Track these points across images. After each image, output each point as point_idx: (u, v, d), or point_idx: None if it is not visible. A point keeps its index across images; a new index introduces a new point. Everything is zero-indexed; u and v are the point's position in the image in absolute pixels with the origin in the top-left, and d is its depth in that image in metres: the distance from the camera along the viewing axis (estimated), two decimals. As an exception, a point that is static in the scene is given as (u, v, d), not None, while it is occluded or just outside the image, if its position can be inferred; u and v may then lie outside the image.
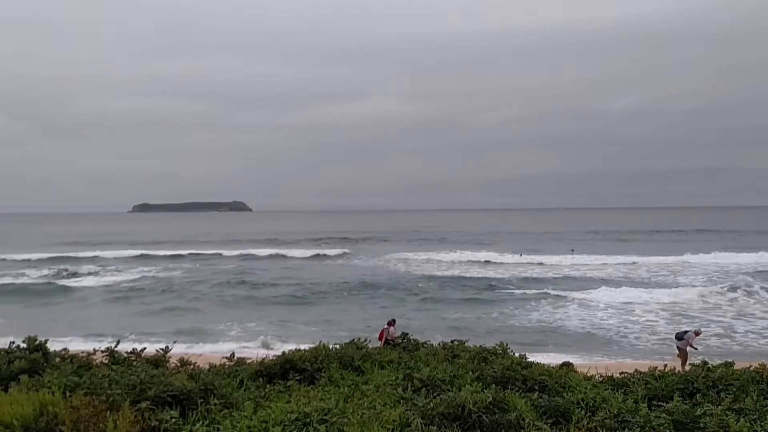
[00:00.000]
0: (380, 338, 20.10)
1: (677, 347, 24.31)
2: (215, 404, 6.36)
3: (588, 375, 8.91)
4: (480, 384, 6.86)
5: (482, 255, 78.28)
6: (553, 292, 46.62)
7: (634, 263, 67.27)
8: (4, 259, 74.73)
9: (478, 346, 9.51)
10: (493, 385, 6.85)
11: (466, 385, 6.68)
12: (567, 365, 10.23)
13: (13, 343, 8.07)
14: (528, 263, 69.24)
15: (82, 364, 7.75)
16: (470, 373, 7.52)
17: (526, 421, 6.13)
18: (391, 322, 21.95)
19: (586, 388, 7.32)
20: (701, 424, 6.38)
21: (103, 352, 8.36)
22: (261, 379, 8.00)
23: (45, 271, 62.89)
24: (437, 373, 7.37)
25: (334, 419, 5.81)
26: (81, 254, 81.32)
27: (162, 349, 8.58)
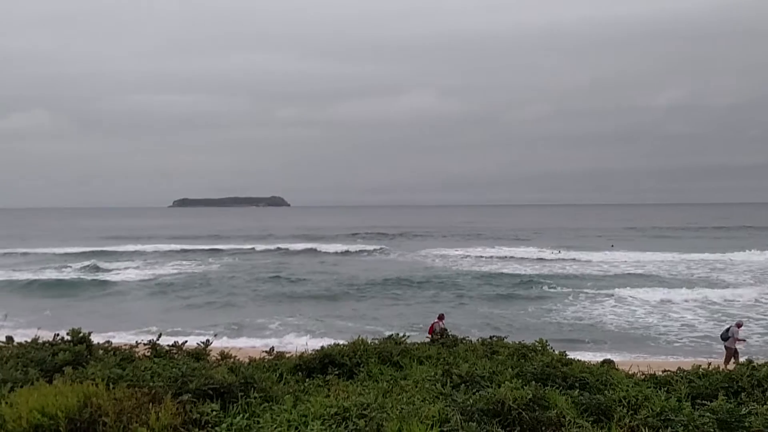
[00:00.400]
0: (430, 332, 20.13)
1: (725, 347, 23.76)
2: (255, 398, 6.39)
3: (629, 373, 8.79)
4: (520, 381, 6.80)
5: (519, 251, 77.85)
6: (590, 289, 46.15)
7: (674, 260, 66.13)
8: (46, 253, 76.07)
9: (517, 342, 9.43)
10: (533, 382, 6.78)
11: (506, 382, 6.62)
12: (608, 362, 10.12)
13: (58, 335, 8.21)
14: (565, 259, 68.50)
15: (124, 356, 7.85)
16: (509, 369, 7.45)
17: (567, 419, 6.07)
18: (441, 317, 22.00)
19: (627, 385, 7.22)
20: (746, 424, 6.26)
21: (145, 344, 8.47)
22: (300, 373, 8.03)
23: (86, 264, 63.85)
24: (476, 369, 7.32)
25: (374, 414, 5.80)
26: (121, 248, 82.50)
27: (203, 343, 8.67)
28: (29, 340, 8.23)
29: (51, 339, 8.12)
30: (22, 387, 6.07)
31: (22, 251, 78.03)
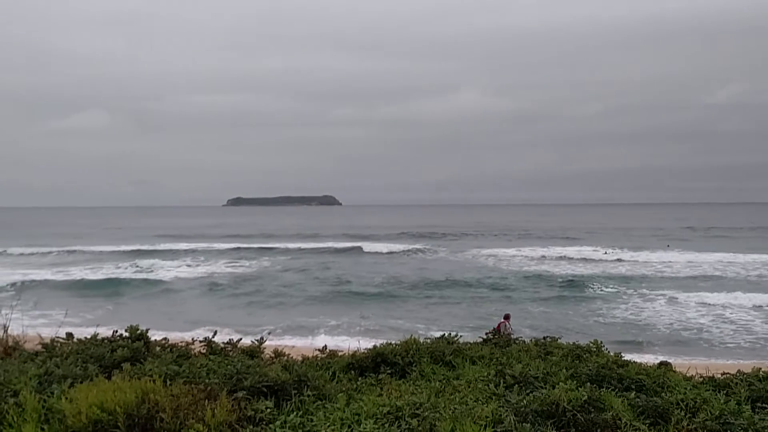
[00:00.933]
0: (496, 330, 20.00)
1: None
2: (308, 395, 6.43)
3: (687, 375, 8.62)
4: (574, 382, 6.72)
5: (571, 250, 76.91)
6: (645, 290, 45.41)
7: (732, 261, 64.51)
8: (102, 251, 77.76)
9: (570, 343, 9.31)
10: (588, 384, 6.69)
11: (560, 383, 6.55)
12: (665, 364, 9.92)
13: (116, 332, 8.36)
14: (620, 260, 67.38)
15: (181, 353, 7.97)
16: (564, 370, 7.36)
17: (623, 421, 5.97)
18: (507, 316, 21.80)
19: (685, 388, 7.07)
20: (809, 428, 6.08)
21: (200, 342, 8.58)
22: (352, 372, 8.05)
23: (140, 262, 65.06)
24: (530, 370, 7.25)
25: (426, 413, 5.79)
26: (176, 247, 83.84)
27: (257, 340, 8.75)
28: (88, 337, 8.40)
29: (110, 336, 8.28)
30: (81, 383, 6.19)
31: (79, 249, 79.84)
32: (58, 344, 8.54)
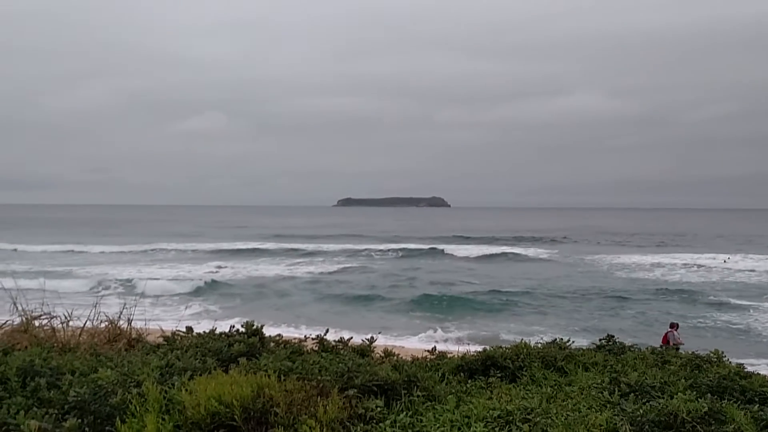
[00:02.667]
0: (663, 342, 19.45)
1: None
2: (418, 396, 6.43)
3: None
4: (693, 392, 6.45)
5: (689, 257, 73.85)
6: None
7: None
8: (215, 250, 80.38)
9: (689, 352, 8.96)
10: (708, 395, 6.42)
11: (679, 393, 6.31)
12: (791, 378, 9.41)
13: (233, 327, 8.62)
14: (740, 270, 64.15)
15: (294, 350, 8.12)
16: (682, 380, 7.08)
17: (746, 435, 5.71)
18: (674, 326, 21.19)
19: (815, 404, 6.68)
20: None
21: (313, 339, 8.73)
22: (462, 374, 8.00)
23: (258, 259, 66.89)
24: (646, 379, 7.01)
25: (538, 419, 5.70)
26: (286, 246, 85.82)
27: (367, 340, 8.83)
28: (206, 331, 8.70)
29: (227, 331, 8.53)
30: (200, 375, 6.40)
31: (192, 248, 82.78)
32: (179, 337, 8.89)
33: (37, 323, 10.90)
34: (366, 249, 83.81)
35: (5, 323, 10.97)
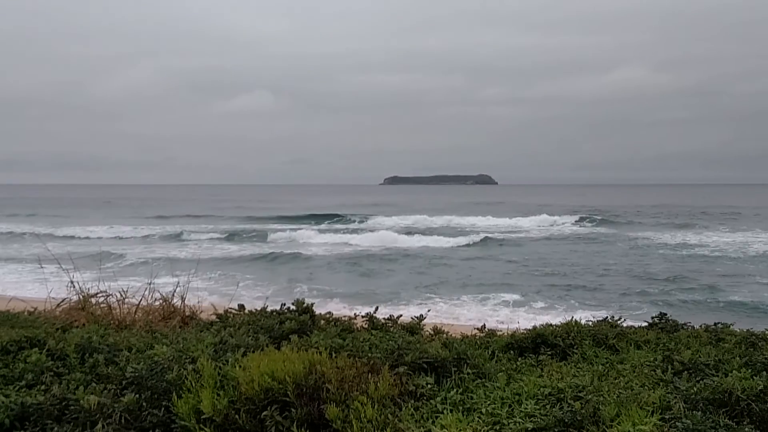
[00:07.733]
0: None
1: None
2: (468, 373, 6.46)
3: None
4: (749, 370, 6.35)
5: (737, 236, 71.86)
6: None
7: None
8: (264, 229, 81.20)
9: (744, 330, 8.80)
10: (764, 372, 6.31)
11: (733, 371, 6.22)
12: None
13: (284, 305, 8.74)
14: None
15: (344, 327, 8.22)
16: (737, 358, 6.97)
17: (803, 414, 5.61)
18: None
19: None
20: None
21: (363, 317, 8.81)
22: (512, 352, 8.00)
23: (293, 238, 67.44)
24: (700, 357, 6.92)
25: (589, 397, 5.67)
26: (335, 226, 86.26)
27: (416, 317, 8.88)
28: (258, 309, 8.83)
29: (278, 309, 8.65)
30: (253, 352, 6.52)
31: (240, 227, 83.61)
32: (231, 315, 9.05)
33: (93, 301, 11.20)
34: (408, 225, 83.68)
35: (63, 301, 11.30)
